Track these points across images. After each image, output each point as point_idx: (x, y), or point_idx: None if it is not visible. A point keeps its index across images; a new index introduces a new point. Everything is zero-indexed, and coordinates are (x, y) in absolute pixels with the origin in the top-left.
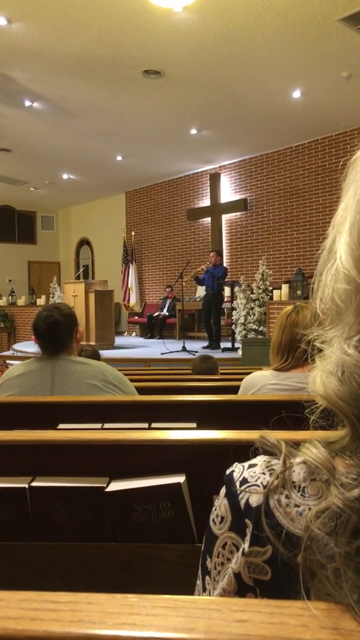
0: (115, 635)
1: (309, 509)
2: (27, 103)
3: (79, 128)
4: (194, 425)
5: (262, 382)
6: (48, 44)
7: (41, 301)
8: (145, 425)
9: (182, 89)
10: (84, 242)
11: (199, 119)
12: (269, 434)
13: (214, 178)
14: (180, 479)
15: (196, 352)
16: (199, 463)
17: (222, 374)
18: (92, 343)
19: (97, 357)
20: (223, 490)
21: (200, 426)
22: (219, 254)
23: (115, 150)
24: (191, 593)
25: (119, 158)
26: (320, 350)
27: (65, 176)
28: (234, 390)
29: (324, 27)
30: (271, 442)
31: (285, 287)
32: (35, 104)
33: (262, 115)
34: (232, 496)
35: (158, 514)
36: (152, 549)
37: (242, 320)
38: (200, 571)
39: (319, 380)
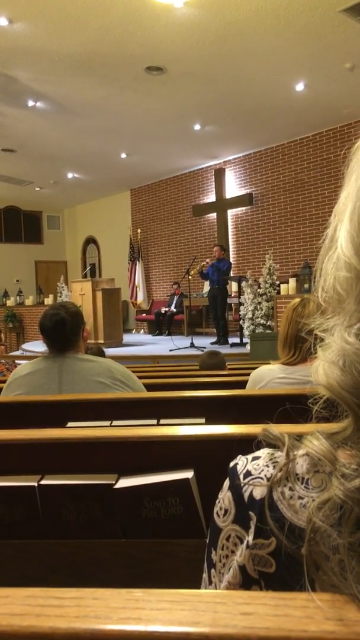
0: (121, 630)
1: (313, 500)
2: (30, 103)
3: (82, 126)
4: (203, 420)
5: (269, 376)
6: (50, 44)
7: (49, 300)
8: (154, 421)
9: (184, 84)
10: (90, 241)
11: (202, 114)
12: (272, 427)
13: (219, 173)
14: (188, 474)
15: (204, 347)
16: (207, 458)
17: (230, 369)
18: (101, 341)
19: (102, 355)
20: (227, 482)
21: (209, 421)
22: (223, 248)
23: (120, 147)
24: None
25: (123, 155)
26: (322, 340)
27: (70, 175)
28: (242, 385)
29: (325, 19)
30: (274, 435)
31: (292, 281)
32: (38, 104)
33: (265, 109)
34: (235, 489)
35: (167, 510)
36: (162, 544)
37: (249, 315)
38: (205, 564)
39: (321, 371)
